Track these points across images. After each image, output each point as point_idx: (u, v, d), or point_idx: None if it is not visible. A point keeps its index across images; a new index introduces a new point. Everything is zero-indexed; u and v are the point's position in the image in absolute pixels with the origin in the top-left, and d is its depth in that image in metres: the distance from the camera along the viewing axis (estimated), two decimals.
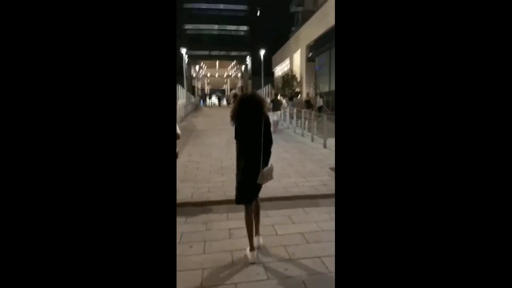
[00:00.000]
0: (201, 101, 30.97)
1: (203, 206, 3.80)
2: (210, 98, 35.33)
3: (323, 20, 17.25)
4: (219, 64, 49.60)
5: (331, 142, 7.51)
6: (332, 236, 2.43)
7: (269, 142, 2.53)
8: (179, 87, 16.24)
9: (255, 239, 2.63)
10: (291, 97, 15.83)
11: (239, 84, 50.27)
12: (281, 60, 29.74)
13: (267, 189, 2.98)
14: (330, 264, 2.43)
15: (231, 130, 2.61)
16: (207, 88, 54.97)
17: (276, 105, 11.55)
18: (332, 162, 5.94)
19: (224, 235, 3.01)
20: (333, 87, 16.99)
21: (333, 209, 3.27)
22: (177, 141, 3.31)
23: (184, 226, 3.21)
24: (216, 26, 43.22)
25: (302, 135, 9.86)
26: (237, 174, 2.55)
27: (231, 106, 4.29)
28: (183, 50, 26.77)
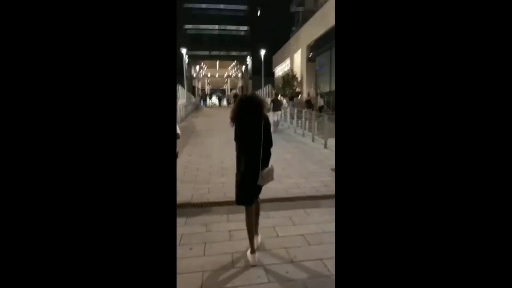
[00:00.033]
0: (202, 101, 30.94)
1: (203, 207, 3.78)
2: (210, 98, 35.31)
3: (324, 20, 17.23)
4: (219, 64, 49.63)
5: (332, 142, 7.47)
6: (333, 238, 2.40)
7: (269, 143, 2.51)
8: (179, 87, 16.21)
9: (254, 239, 2.60)
10: (292, 97, 15.81)
11: (240, 84, 50.29)
12: (282, 60, 29.73)
13: (268, 190, 2.95)
14: (332, 266, 2.40)
15: (231, 130, 2.59)
16: (207, 88, 55.01)
17: (277, 105, 11.53)
18: (333, 162, 5.91)
19: (224, 237, 2.97)
20: (333, 87, 16.96)
21: (334, 210, 3.23)
22: (177, 141, 3.29)
23: (184, 227, 3.18)
24: (216, 26, 43.25)
25: (303, 135, 9.82)
26: (237, 175, 2.53)
27: (232, 106, 4.27)
28: (184, 50, 26.78)
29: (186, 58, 28.42)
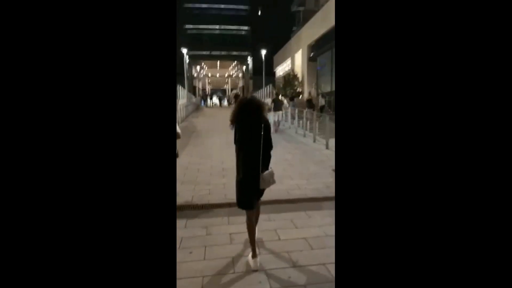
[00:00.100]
0: (202, 101, 30.90)
1: (203, 209, 3.72)
2: (211, 98, 35.27)
3: (325, 20, 17.17)
4: (220, 64, 49.59)
5: (334, 143, 7.42)
6: None
7: (268, 146, 2.49)
8: (180, 87, 16.15)
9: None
10: (292, 97, 15.74)
11: (240, 84, 50.28)
12: (283, 60, 29.67)
13: (269, 191, 2.88)
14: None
15: (232, 131, 2.54)
16: (208, 88, 54.96)
17: (278, 105, 11.49)
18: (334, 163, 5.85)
19: (225, 240, 2.92)
20: (334, 87, 16.88)
21: None
22: (178, 141, 3.24)
23: (184, 230, 3.13)
24: (217, 26, 43.22)
25: (304, 135, 9.77)
26: (237, 178, 2.49)
27: (232, 106, 4.22)
28: (184, 50, 26.72)
29: (186, 58, 28.37)
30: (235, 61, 47.52)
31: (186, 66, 27.98)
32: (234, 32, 44.17)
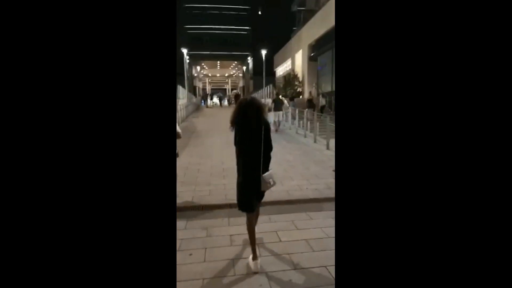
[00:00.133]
0: (202, 101, 30.87)
1: (203, 210, 3.70)
2: (211, 98, 35.25)
3: (325, 19, 17.14)
4: (220, 64, 49.63)
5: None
6: None
7: (268, 147, 2.47)
8: (180, 87, 16.13)
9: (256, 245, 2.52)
10: (292, 97, 15.71)
11: (241, 84, 50.29)
12: (283, 60, 29.64)
13: (269, 192, 2.86)
14: None
15: (232, 132, 2.51)
16: (208, 88, 54.98)
17: (278, 105, 11.46)
18: None
19: (225, 242, 2.89)
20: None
21: None
22: (178, 141, 3.22)
23: (184, 231, 3.11)
24: (217, 26, 43.17)
25: (305, 136, 9.74)
26: (238, 180, 2.47)
27: (233, 106, 4.20)
28: (184, 50, 26.69)
29: (187, 58, 28.34)
30: (235, 61, 47.53)
31: (186, 66, 27.97)
32: (234, 32, 44.18)
